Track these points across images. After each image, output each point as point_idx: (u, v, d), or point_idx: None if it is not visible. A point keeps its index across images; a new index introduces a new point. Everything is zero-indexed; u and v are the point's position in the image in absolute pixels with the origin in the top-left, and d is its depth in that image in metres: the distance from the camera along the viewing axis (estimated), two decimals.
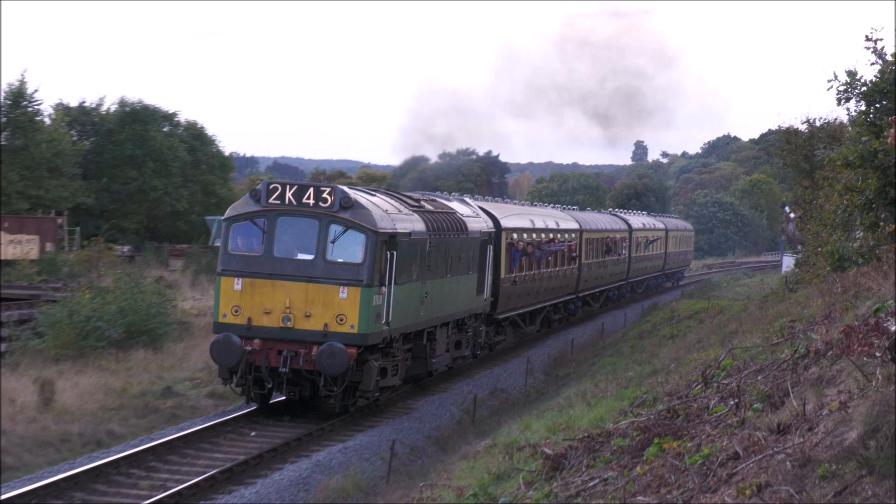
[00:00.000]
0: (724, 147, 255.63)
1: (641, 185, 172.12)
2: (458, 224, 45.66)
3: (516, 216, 54.89)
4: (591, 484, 18.10)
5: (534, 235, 56.44)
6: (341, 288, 34.18)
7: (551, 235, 59.10)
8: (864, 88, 29.71)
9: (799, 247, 56.23)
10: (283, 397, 37.04)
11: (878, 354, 14.78)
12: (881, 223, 28.22)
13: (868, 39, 29.10)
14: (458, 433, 33.69)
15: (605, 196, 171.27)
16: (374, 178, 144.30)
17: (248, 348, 33.73)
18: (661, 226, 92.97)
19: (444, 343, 43.91)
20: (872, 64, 29.73)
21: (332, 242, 34.86)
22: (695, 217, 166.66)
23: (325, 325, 34.09)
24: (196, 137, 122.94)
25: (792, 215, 70.76)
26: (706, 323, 45.69)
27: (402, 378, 40.07)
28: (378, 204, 37.71)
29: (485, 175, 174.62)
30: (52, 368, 41.91)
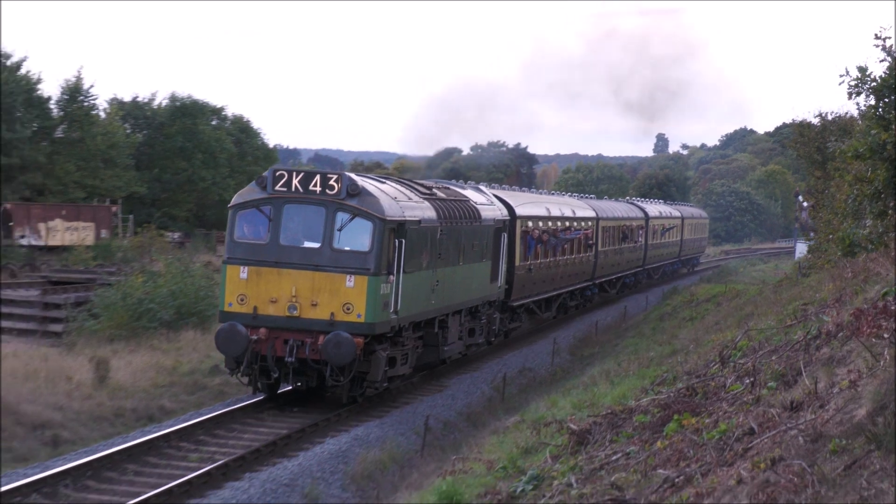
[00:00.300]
0: (740, 139, 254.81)
1: (663, 176, 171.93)
2: (471, 211, 42.22)
3: (531, 204, 52.79)
4: (614, 458, 18.06)
5: (549, 223, 53.25)
6: (348, 276, 31.60)
7: (567, 223, 56.37)
8: (874, 84, 29.66)
9: (811, 234, 55.82)
10: (290, 387, 34.89)
11: (885, 336, 14.77)
12: (889, 212, 28.14)
13: (877, 38, 29.05)
14: (488, 409, 33.59)
15: (628, 186, 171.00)
16: (409, 169, 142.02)
17: (254, 337, 31.42)
18: (678, 214, 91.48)
19: (456, 331, 40.67)
20: (881, 61, 29.65)
21: (339, 230, 32.21)
22: (712, 206, 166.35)
23: (332, 314, 31.52)
24: (242, 130, 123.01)
25: (805, 204, 70.40)
26: (723, 306, 45.58)
27: (412, 367, 37.38)
28: (387, 191, 35.04)
29: (514, 166, 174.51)
30: (106, 348, 42.01)
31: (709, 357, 26.35)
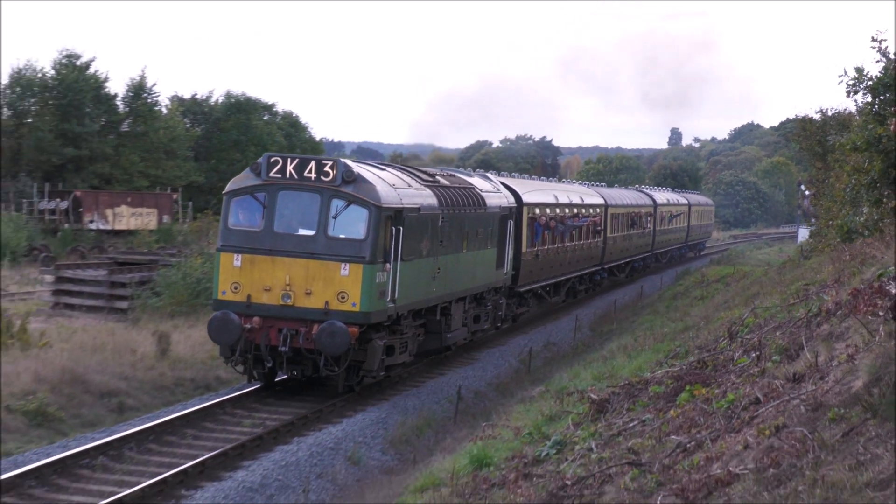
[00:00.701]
0: (748, 133, 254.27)
1: (676, 166, 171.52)
2: (475, 199, 37.64)
3: (539, 191, 48.71)
4: (630, 425, 18.05)
5: (557, 210, 49.16)
6: (343, 264, 28.04)
7: (575, 210, 52.64)
8: (870, 83, 29.85)
9: (813, 220, 55.73)
10: (286, 376, 31.63)
11: (881, 314, 14.73)
12: (884, 200, 28.18)
13: (874, 40, 29.18)
14: (515, 380, 33.58)
15: (644, 175, 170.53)
16: (443, 160, 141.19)
17: (248, 326, 28.16)
18: (685, 201, 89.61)
19: (460, 318, 36.31)
20: (878, 62, 29.82)
21: (334, 218, 28.56)
22: (722, 194, 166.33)
23: (326, 302, 28.15)
24: (291, 125, 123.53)
25: (807, 193, 70.15)
26: (732, 286, 45.46)
27: (412, 354, 33.45)
28: (385, 178, 31.36)
29: (539, 157, 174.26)
30: (168, 323, 42.12)
31: (718, 333, 26.30)
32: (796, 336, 18.36)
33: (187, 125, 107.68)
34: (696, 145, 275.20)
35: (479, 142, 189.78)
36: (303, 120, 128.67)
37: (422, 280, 32.04)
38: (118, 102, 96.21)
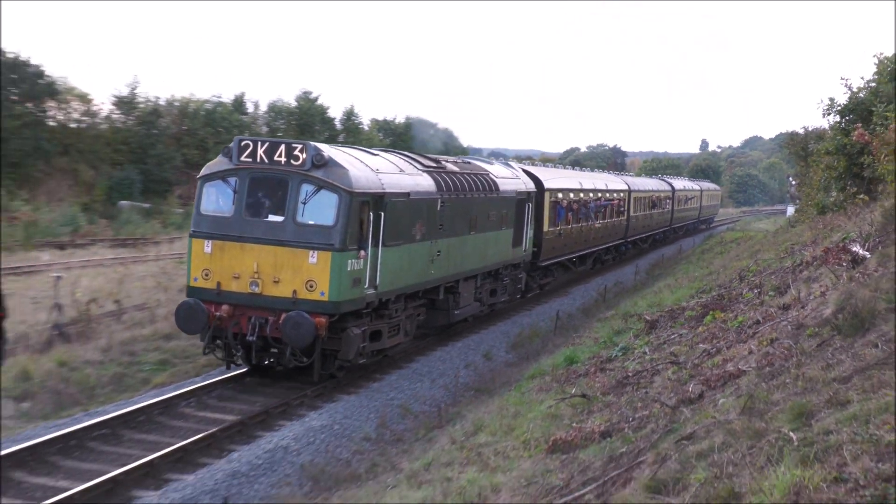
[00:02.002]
0: (754, 142, 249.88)
1: (704, 164, 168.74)
2: (488, 184, 27.80)
3: (563, 178, 39.37)
4: (672, 337, 17.96)
5: (581, 195, 39.92)
6: (311, 252, 19.32)
7: (598, 195, 44.37)
8: (838, 108, 29.83)
9: (797, 201, 54.64)
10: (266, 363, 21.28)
11: (843, 264, 14.58)
12: (847, 187, 27.96)
13: (842, 79, 29.27)
14: (595, 307, 33.33)
15: (683, 171, 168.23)
16: (548, 161, 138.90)
17: (218, 314, 19.44)
18: (697, 187, 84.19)
19: (470, 294, 26.88)
20: (844, 94, 29.77)
21: (304, 203, 19.86)
22: (735, 183, 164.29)
23: (294, 291, 19.11)
24: (448, 137, 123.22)
25: (793, 182, 68.67)
26: (741, 245, 44.66)
27: (410, 334, 23.62)
28: (368, 163, 21.42)
29: (612, 158, 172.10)
30: None
31: (732, 276, 26.00)
32: (785, 279, 18.18)
33: (381, 138, 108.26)
34: (718, 150, 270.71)
35: (572, 147, 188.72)
36: (455, 132, 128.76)
37: (415, 264, 22.34)
38: (336, 123, 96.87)
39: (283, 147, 19.13)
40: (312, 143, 18.72)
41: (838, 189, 29.63)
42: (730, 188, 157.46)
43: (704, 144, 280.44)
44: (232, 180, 19.24)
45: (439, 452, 14.07)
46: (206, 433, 16.26)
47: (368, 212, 19.48)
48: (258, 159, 19.13)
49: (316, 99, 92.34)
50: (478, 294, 27.32)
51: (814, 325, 11.83)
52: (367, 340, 20.16)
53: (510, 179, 30.13)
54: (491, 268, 27.94)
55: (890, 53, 27.66)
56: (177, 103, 71.85)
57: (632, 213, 51.12)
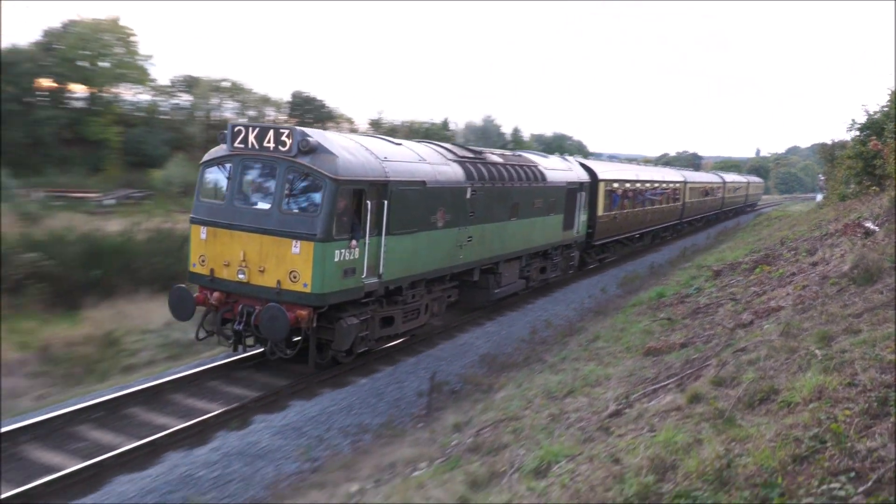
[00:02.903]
0: (794, 150, 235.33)
1: (757, 165, 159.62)
2: (533, 174, 20.00)
3: (618, 171, 31.62)
4: (731, 282, 17.06)
5: (637, 185, 32.52)
6: (294, 242, 12.26)
7: (655, 185, 36.36)
8: (859, 126, 28.16)
9: (825, 191, 51.02)
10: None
11: (858, 235, 13.55)
12: (862, 182, 26.18)
13: (862, 106, 27.73)
14: (677, 260, 32.04)
15: (742, 170, 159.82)
16: (648, 161, 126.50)
17: (211, 301, 12.87)
18: (745, 180, 75.96)
19: (512, 274, 19.50)
20: (864, 116, 28.11)
21: (289, 191, 12.56)
22: (779, 179, 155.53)
23: (279, 281, 12.27)
24: (580, 145, 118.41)
25: (822, 178, 64.02)
26: (782, 221, 42.08)
27: (439, 314, 16.08)
28: (375, 151, 13.59)
29: (691, 161, 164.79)
30: None
31: (775, 242, 24.52)
32: (814, 244, 17.02)
33: (536, 145, 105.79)
34: (768, 155, 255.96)
35: (664, 153, 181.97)
36: (584, 141, 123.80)
37: (435, 250, 15.14)
38: (507, 136, 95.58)
39: (271, 132, 12.45)
40: (300, 128, 12.21)
41: (856, 183, 27.79)
42: (775, 182, 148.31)
43: (757, 151, 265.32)
44: (227, 166, 12.88)
45: (570, 352, 13.86)
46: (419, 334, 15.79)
47: (365, 200, 12.59)
48: (249, 145, 12.63)
49: (493, 120, 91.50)
50: (524, 272, 20.46)
51: (835, 276, 11.05)
52: (370, 329, 13.42)
53: (561, 171, 22.92)
54: (537, 249, 20.84)
55: None
56: (406, 123, 72.90)
57: (686, 200, 44.72)
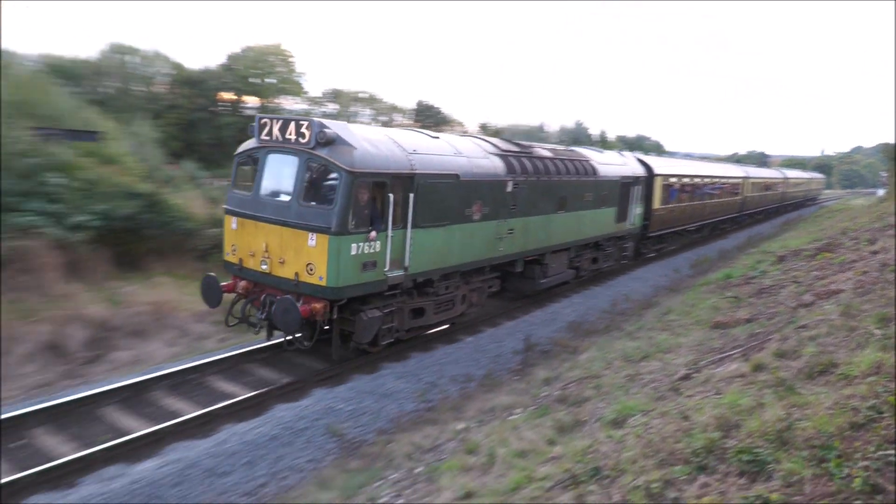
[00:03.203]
0: (858, 149, 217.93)
1: (822, 163, 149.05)
2: (584, 169, 17.23)
3: (676, 166, 27.92)
4: (794, 266, 16.21)
5: (696, 180, 29.41)
6: (310, 234, 9.88)
7: (715, 180, 32.56)
8: None
9: (885, 186, 47.31)
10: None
11: None
12: None
13: None
14: (745, 246, 30.52)
15: (807, 167, 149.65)
16: (720, 159, 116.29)
17: (238, 289, 10.95)
18: (807, 176, 69.47)
19: (560, 265, 16.70)
20: None
21: (307, 183, 10.17)
22: (843, 175, 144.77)
23: (296, 274, 10.04)
24: (658, 144, 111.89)
25: (883, 174, 59.33)
26: (843, 213, 39.30)
27: (478, 303, 13.69)
28: (402, 143, 11.07)
29: (759, 159, 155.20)
30: None
31: (836, 231, 23.02)
32: (874, 234, 15.92)
33: (621, 145, 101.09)
34: (832, 154, 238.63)
35: (734, 152, 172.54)
36: (661, 141, 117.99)
37: (471, 243, 12.73)
38: (595, 139, 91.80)
39: (292, 125, 10.53)
40: (318, 119, 10.31)
41: None
42: (839, 178, 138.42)
43: (822, 150, 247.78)
44: (254, 158, 11.02)
45: (646, 322, 13.62)
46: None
47: (387, 193, 10.48)
48: (274, 137, 10.77)
49: (582, 123, 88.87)
50: (573, 263, 17.81)
51: (893, 264, 10.34)
52: (398, 321, 11.49)
53: (615, 166, 19.88)
54: (587, 241, 17.98)
55: None
56: (510, 126, 72.28)
57: (746, 194, 40.61)
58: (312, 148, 10.11)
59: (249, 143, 11.09)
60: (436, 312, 12.30)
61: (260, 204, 10.57)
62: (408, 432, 8.99)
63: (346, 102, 56.69)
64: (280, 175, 10.54)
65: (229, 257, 10.95)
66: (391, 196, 10.44)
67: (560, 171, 15.84)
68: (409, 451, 8.20)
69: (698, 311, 13.17)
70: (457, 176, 11.88)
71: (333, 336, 10.88)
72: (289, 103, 54.04)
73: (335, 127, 10.17)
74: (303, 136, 10.25)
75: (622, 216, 20.53)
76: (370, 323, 10.58)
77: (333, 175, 9.96)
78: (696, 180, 29.75)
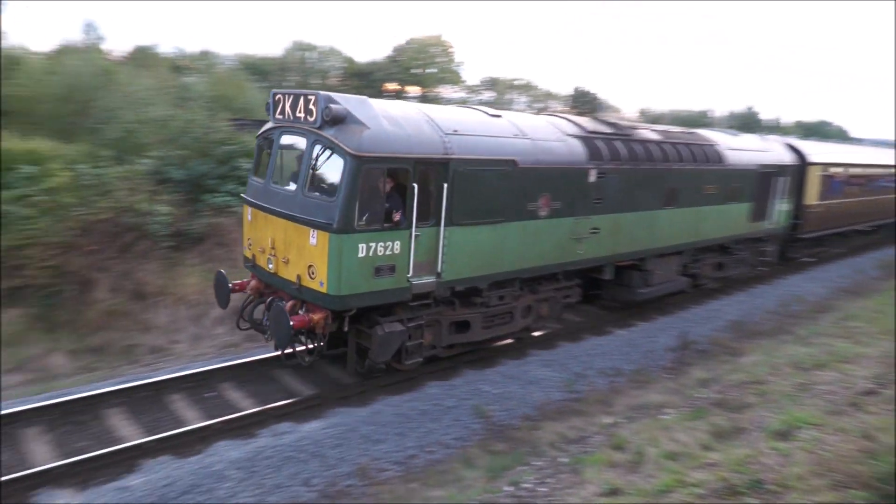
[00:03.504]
0: None
1: None
2: (704, 155, 13.24)
3: (838, 154, 21.05)
4: None
5: (869, 170, 22.32)
6: (311, 231, 7.55)
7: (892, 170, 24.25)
8: None
9: None
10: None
11: None
12: None
13: None
14: None
15: None
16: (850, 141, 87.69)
17: (248, 289, 9.14)
18: None
19: (668, 271, 13.12)
20: None
21: (312, 169, 7.80)
22: None
23: (298, 276, 7.87)
24: (840, 130, 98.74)
25: None
26: None
27: (554, 315, 10.90)
28: (438, 121, 8.58)
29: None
30: None
31: None
32: None
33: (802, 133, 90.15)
34: None
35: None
36: (844, 127, 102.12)
37: (534, 244, 9.76)
38: (765, 125, 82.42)
39: (301, 100, 8.34)
40: (325, 93, 8.12)
41: None
42: None
43: None
44: (269, 141, 8.95)
45: (821, 327, 12.36)
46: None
47: (413, 182, 8.24)
48: (286, 116, 8.59)
49: (752, 107, 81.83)
50: (688, 269, 14.25)
51: None
52: (434, 336, 9.41)
53: (751, 152, 15.57)
54: (708, 243, 14.23)
55: None
56: (672, 112, 69.01)
57: None
58: (319, 127, 8.04)
59: (268, 124, 9.05)
60: (486, 327, 9.96)
61: (269, 193, 8.66)
62: (553, 421, 8.93)
63: (502, 90, 57.34)
64: (289, 159, 8.63)
65: (246, 252, 9.23)
66: (415, 186, 8.22)
67: (669, 157, 12.50)
68: (554, 440, 8.14)
69: (887, 318, 11.74)
70: (514, 162, 9.32)
71: (349, 351, 9.01)
72: (448, 92, 55.64)
73: (349, 102, 8.09)
74: (310, 113, 8.16)
75: (759, 213, 16.17)
76: (388, 339, 8.46)
77: (337, 160, 7.83)
78: (869, 171, 22.58)
